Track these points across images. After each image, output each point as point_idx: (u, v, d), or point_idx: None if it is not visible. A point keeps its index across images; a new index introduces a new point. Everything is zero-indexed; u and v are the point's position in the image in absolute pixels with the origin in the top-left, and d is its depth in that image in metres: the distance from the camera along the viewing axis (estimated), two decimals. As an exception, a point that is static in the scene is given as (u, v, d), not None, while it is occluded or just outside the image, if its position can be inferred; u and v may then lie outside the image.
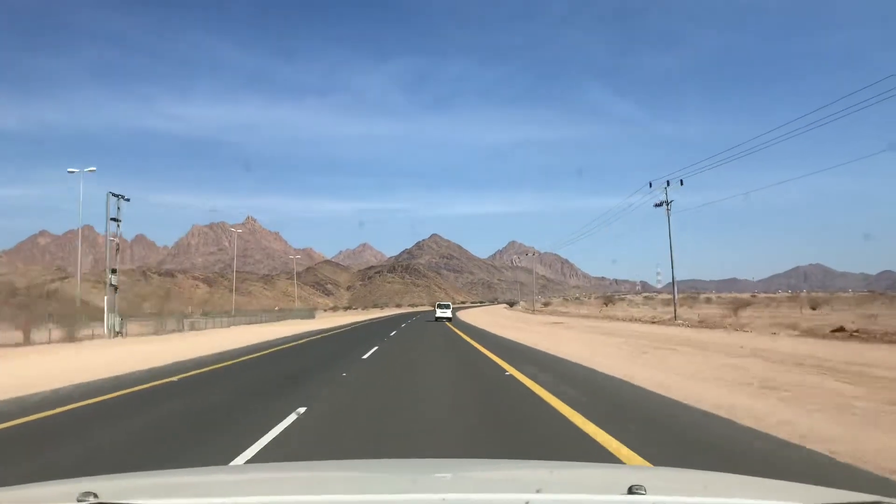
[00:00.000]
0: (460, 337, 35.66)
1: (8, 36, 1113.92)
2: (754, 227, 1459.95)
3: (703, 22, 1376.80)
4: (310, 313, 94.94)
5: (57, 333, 34.66)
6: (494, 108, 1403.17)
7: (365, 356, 22.95)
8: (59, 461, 7.37)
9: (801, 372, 15.11)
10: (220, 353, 25.02)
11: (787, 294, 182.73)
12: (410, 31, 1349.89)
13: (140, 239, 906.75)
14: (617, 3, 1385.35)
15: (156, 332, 44.63)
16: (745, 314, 55.37)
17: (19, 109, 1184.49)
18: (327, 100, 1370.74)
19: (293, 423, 9.41)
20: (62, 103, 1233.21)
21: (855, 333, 26.86)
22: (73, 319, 39.39)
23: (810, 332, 29.07)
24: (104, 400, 12.54)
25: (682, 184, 49.46)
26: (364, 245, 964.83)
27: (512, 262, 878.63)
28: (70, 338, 34.87)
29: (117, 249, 44.67)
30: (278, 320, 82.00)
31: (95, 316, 44.40)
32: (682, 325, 40.87)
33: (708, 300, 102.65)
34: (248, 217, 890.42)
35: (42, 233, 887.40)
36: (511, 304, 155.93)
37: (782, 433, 8.33)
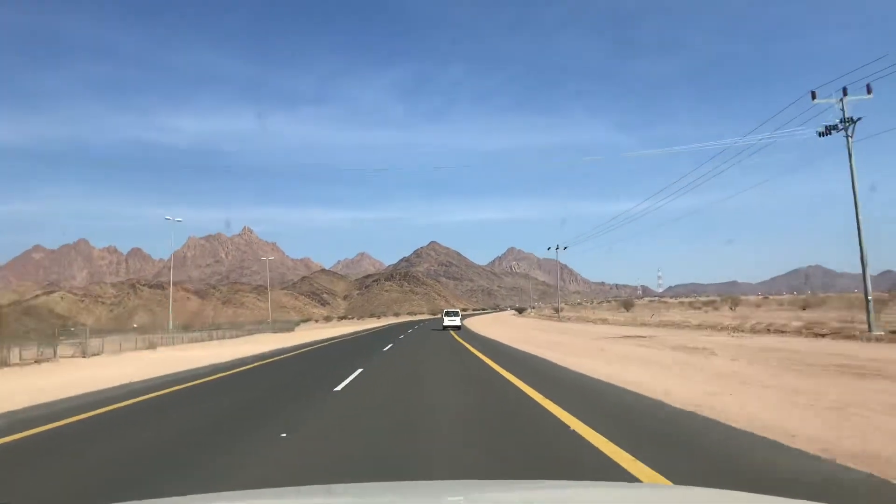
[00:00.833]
0: (487, 365, 21.86)
1: (3, 50, 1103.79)
2: (754, 229, 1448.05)
3: (698, 28, 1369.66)
4: (288, 325, 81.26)
5: (30, 353, 30.31)
6: (491, 116, 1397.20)
7: (338, 388, 14.79)
8: None
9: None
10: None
11: (791, 296, 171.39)
12: (406, 40, 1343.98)
13: (136, 252, 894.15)
14: (611, 11, 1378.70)
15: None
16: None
17: (14, 124, 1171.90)
18: (323, 109, 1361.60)
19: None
20: (58, 117, 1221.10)
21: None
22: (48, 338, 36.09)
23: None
24: None
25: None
26: (362, 254, 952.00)
27: (511, 269, 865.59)
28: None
29: None
30: (251, 333, 68.52)
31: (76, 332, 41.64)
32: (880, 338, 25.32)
33: (758, 305, 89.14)
34: (245, 228, 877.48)
35: (36, 248, 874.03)
36: (520, 311, 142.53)
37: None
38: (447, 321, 60.59)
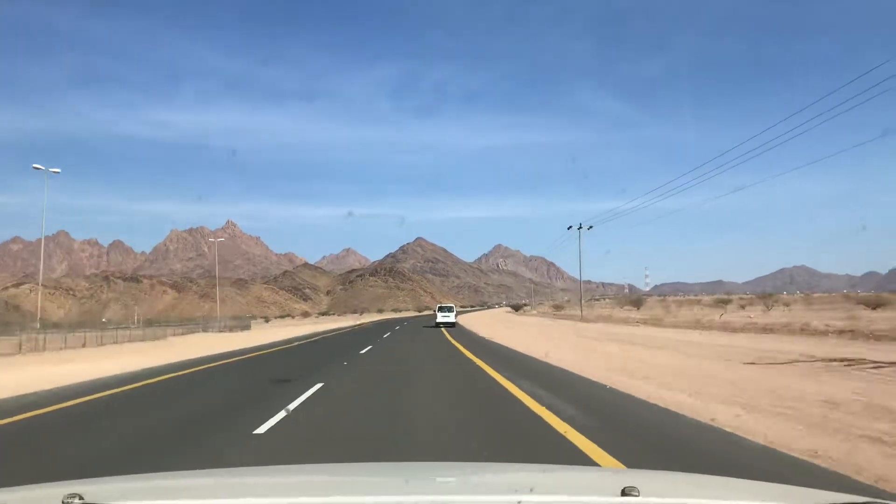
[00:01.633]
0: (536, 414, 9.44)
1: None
2: (740, 229, 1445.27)
3: (687, 26, 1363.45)
4: (242, 323, 67.00)
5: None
6: (480, 113, 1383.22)
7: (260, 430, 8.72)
8: None
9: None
10: None
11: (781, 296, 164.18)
12: (396, 36, 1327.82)
13: (117, 244, 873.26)
14: (602, 8, 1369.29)
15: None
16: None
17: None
18: (312, 105, 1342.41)
19: None
20: (41, 109, 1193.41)
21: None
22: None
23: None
24: None
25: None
26: (348, 250, 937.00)
27: (498, 266, 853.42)
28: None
29: None
30: (191, 332, 54.81)
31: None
32: None
33: (786, 303, 76.48)
34: (229, 221, 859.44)
35: (15, 239, 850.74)
36: (516, 308, 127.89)
37: None
38: (441, 317, 56.28)
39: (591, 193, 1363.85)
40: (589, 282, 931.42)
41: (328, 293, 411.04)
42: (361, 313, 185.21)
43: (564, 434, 7.68)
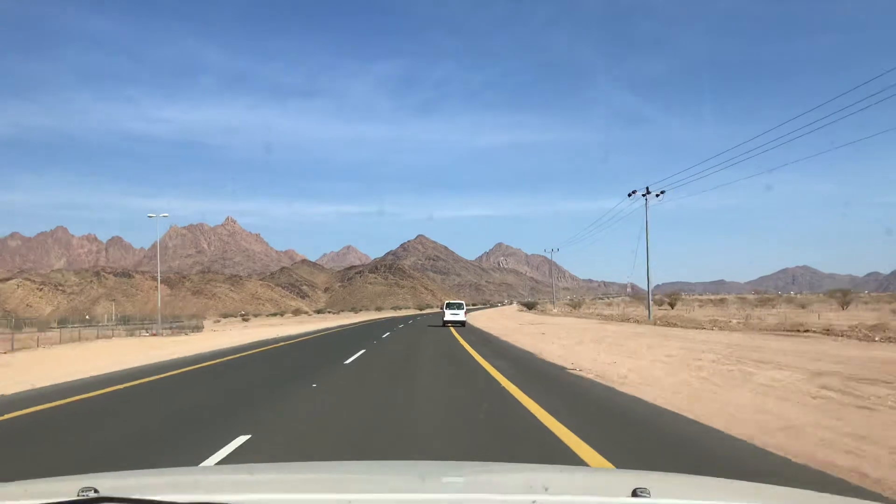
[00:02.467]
0: None
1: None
2: (742, 229, 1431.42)
3: (691, 23, 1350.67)
4: (195, 323, 54.00)
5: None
6: (481, 112, 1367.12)
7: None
8: None
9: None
10: None
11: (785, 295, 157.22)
12: (397, 34, 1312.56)
13: (116, 241, 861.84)
14: (602, 7, 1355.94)
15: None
16: None
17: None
18: (313, 103, 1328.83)
19: None
20: (41, 104, 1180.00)
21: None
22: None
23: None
24: None
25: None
26: (348, 247, 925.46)
27: (499, 265, 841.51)
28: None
29: None
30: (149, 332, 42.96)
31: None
32: None
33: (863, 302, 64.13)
34: (228, 218, 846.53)
35: (13, 235, 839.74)
36: (530, 307, 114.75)
37: None
38: (449, 315, 49.92)
39: (594, 192, 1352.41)
40: (591, 281, 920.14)
41: (326, 290, 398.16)
42: (358, 311, 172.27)
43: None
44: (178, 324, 55.12)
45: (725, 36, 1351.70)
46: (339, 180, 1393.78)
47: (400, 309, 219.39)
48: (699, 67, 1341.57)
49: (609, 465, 6.33)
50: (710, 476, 3.08)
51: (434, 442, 7.58)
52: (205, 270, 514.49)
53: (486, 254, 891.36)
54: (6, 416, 10.04)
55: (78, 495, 1.88)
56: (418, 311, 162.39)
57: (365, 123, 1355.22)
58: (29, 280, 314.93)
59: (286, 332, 49.21)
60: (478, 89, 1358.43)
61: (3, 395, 12.74)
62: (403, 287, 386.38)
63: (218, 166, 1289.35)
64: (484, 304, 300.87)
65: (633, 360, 17.12)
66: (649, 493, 1.94)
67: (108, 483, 2.13)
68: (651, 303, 43.40)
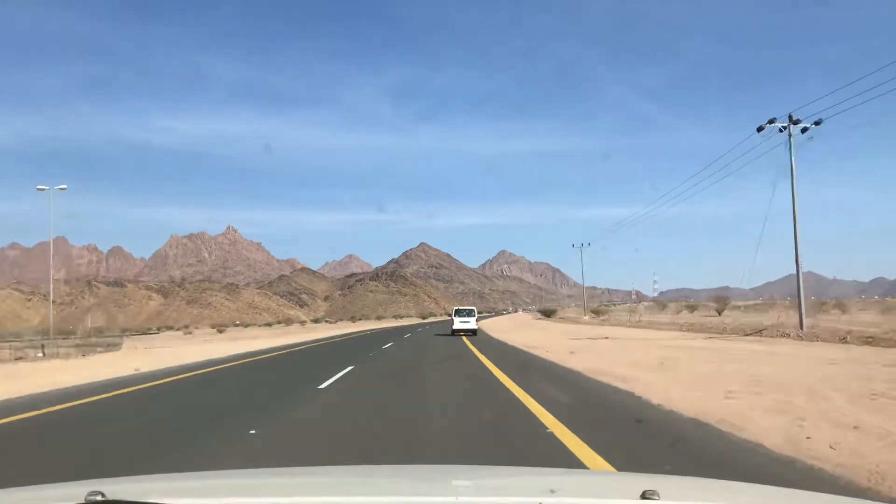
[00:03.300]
0: None
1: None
2: (746, 234, 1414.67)
3: (695, 33, 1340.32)
4: (111, 341, 39.77)
5: None
6: (483, 120, 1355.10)
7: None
8: None
9: None
10: None
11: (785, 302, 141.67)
12: (400, 43, 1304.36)
13: (116, 251, 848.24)
14: (607, 16, 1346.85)
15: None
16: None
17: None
18: (316, 112, 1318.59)
19: None
20: (42, 115, 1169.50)
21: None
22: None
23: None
24: None
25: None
26: (351, 256, 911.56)
27: (502, 272, 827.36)
28: None
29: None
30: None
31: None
32: None
33: None
34: (229, 227, 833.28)
35: (13, 245, 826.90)
36: (547, 314, 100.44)
37: None
38: (458, 323, 44.89)
39: (596, 200, 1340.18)
40: (594, 287, 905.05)
41: (326, 299, 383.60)
42: (355, 321, 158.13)
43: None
44: (106, 338, 41.63)
45: (731, 43, 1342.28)
46: (341, 189, 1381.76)
47: (401, 318, 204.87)
48: (706, 74, 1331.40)
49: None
50: (718, 479, 3.01)
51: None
52: (205, 280, 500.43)
53: (490, 261, 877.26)
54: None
55: (85, 500, 1.89)
56: (420, 320, 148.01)
57: (368, 132, 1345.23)
58: (18, 290, 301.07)
59: (257, 346, 37.00)
60: (481, 97, 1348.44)
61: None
62: (406, 295, 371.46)
63: (221, 176, 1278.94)
64: (489, 312, 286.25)
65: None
66: (658, 496, 1.92)
67: (114, 488, 2.11)
68: (803, 308, 28.60)
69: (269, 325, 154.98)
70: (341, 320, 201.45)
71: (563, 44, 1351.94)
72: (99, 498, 1.90)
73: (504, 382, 14.16)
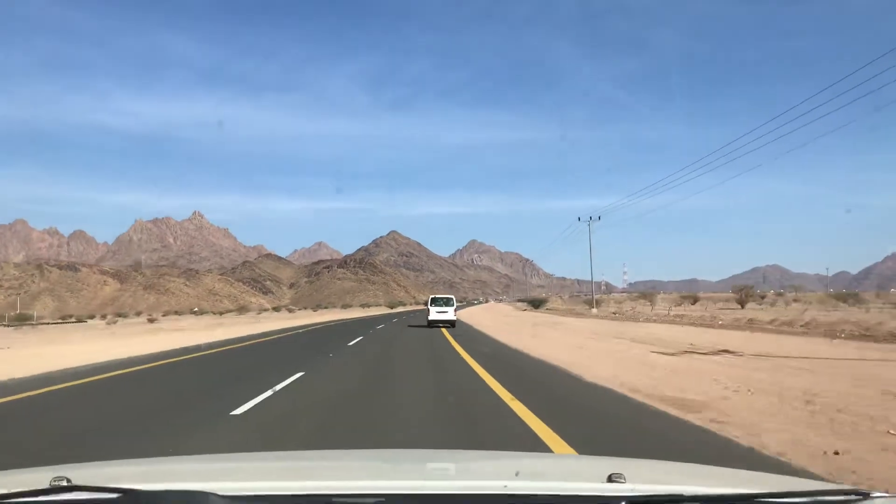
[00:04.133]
0: None
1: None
2: (714, 227, 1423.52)
3: (665, 25, 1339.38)
4: None
5: None
6: (455, 109, 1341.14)
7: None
8: None
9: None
10: None
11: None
12: (371, 30, 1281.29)
13: (78, 234, 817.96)
14: (579, 7, 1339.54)
15: None
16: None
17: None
18: (286, 98, 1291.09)
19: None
20: (4, 94, 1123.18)
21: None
22: None
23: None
24: None
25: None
26: (320, 244, 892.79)
27: (473, 262, 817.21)
28: None
29: None
30: None
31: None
32: None
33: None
34: (195, 212, 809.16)
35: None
36: (536, 305, 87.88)
37: None
38: (435, 313, 39.01)
39: (566, 191, 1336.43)
40: (564, 278, 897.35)
41: (292, 286, 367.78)
42: (318, 310, 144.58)
43: None
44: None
45: (700, 37, 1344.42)
46: (311, 176, 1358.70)
47: (369, 307, 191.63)
48: (674, 67, 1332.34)
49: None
50: (684, 462, 3.01)
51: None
52: (170, 265, 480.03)
53: (460, 251, 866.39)
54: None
55: (50, 485, 1.85)
56: (389, 310, 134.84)
57: (339, 119, 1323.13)
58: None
59: (183, 341, 27.14)
60: (452, 86, 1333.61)
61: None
62: (375, 283, 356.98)
63: (189, 161, 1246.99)
64: (460, 302, 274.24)
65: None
66: (624, 479, 1.91)
67: (80, 473, 2.09)
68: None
69: (220, 314, 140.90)
70: (306, 308, 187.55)
71: (535, 33, 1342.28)
72: (64, 483, 1.86)
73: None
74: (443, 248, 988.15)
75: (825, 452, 6.13)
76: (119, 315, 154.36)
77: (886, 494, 1.86)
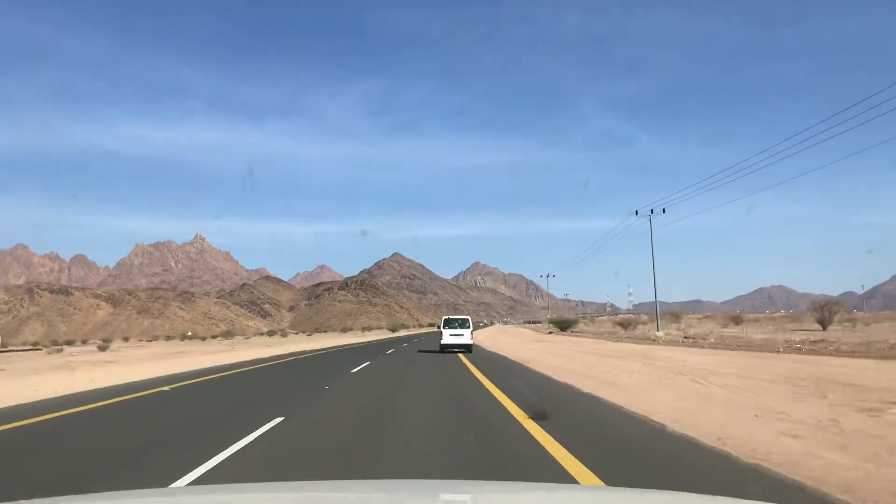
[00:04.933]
0: None
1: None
2: (719, 248, 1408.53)
3: (664, 49, 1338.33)
4: None
5: None
6: (458, 132, 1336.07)
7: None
8: None
9: None
10: None
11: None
12: (374, 55, 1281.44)
13: (79, 259, 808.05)
14: (579, 31, 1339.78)
15: None
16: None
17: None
18: (291, 123, 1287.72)
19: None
20: (5, 121, 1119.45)
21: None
22: None
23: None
24: None
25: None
26: (322, 267, 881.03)
27: (476, 284, 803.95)
28: None
29: None
30: None
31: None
32: None
33: None
34: (197, 235, 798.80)
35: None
36: (563, 327, 72.35)
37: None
38: (449, 336, 33.18)
39: (569, 212, 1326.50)
40: (568, 300, 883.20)
41: (291, 309, 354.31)
42: (312, 335, 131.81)
43: None
44: None
45: (703, 60, 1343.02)
46: (315, 199, 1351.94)
47: (370, 330, 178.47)
48: (678, 91, 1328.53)
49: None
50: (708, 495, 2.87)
51: None
52: (171, 289, 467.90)
53: (464, 273, 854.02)
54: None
55: None
56: (391, 334, 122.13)
57: (343, 143, 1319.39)
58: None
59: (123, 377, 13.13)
60: (455, 110, 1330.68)
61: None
62: (376, 305, 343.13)
63: (194, 185, 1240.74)
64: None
65: None
66: None
67: None
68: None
69: (203, 339, 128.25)
70: (301, 332, 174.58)
71: (537, 57, 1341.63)
72: None
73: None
74: (446, 270, 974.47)
75: None
76: (67, 343, 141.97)
77: None
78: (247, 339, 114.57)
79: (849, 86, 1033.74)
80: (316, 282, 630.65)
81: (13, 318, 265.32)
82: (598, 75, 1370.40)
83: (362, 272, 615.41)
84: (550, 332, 68.84)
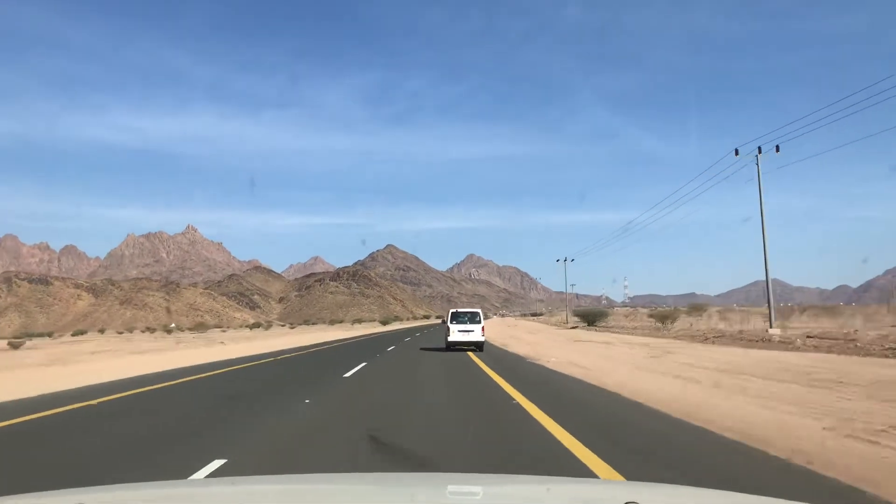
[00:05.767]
0: None
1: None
2: (712, 241, 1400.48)
3: (660, 42, 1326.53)
4: None
5: None
6: (454, 124, 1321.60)
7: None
8: None
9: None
10: None
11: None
12: (371, 45, 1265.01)
13: (69, 249, 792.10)
14: (577, 23, 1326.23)
15: None
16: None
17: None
18: (286, 113, 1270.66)
19: None
20: (1, 111, 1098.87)
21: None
22: None
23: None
24: None
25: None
26: (316, 258, 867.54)
27: (471, 276, 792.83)
28: None
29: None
30: None
31: None
32: None
33: None
34: (189, 226, 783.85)
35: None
36: (590, 321, 58.74)
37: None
38: (457, 333, 28.94)
39: (564, 206, 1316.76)
40: (562, 293, 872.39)
41: (281, 300, 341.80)
42: (295, 326, 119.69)
43: None
44: None
45: (699, 52, 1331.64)
46: (309, 190, 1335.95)
47: (362, 321, 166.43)
48: (674, 83, 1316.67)
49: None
50: (702, 488, 2.90)
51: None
52: (160, 280, 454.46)
53: (458, 265, 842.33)
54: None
55: None
56: (383, 328, 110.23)
57: (338, 134, 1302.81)
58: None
59: None
60: (451, 101, 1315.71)
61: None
62: (369, 297, 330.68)
63: (187, 176, 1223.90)
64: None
65: None
66: None
67: (96, 497, 2.03)
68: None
69: (182, 330, 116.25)
70: (293, 324, 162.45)
71: (533, 49, 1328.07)
72: None
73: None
74: (440, 262, 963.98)
75: None
76: (82, 332, 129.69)
77: None
78: (223, 332, 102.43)
79: (849, 78, 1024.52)
80: (308, 273, 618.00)
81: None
82: (595, 67, 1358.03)
83: (356, 263, 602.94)
84: (575, 327, 56.75)
